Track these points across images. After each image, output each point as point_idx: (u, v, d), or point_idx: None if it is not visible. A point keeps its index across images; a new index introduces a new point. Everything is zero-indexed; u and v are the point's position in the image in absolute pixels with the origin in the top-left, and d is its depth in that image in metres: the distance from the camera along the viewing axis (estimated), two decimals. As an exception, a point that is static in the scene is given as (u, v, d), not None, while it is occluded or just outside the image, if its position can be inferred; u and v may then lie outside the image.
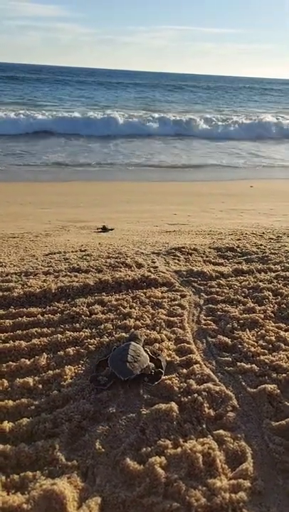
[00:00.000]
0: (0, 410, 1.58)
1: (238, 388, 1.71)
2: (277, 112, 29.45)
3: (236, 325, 2.20)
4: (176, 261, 3.18)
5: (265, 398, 1.63)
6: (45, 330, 2.12)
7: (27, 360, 1.86)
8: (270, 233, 4.12)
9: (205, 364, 1.86)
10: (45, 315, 2.27)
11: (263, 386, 1.68)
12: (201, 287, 2.68)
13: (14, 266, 3.08)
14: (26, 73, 58.14)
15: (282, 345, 2.01)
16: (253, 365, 1.84)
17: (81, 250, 3.54)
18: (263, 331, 2.14)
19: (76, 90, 38.92)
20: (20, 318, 2.23)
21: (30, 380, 1.73)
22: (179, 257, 3.27)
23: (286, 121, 23.90)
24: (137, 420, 1.51)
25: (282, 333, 2.12)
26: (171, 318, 2.24)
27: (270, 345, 2.01)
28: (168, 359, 1.87)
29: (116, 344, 1.97)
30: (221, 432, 1.46)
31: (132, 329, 2.12)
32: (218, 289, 2.64)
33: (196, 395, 1.62)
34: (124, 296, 2.51)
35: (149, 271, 2.87)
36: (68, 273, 2.85)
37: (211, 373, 1.78)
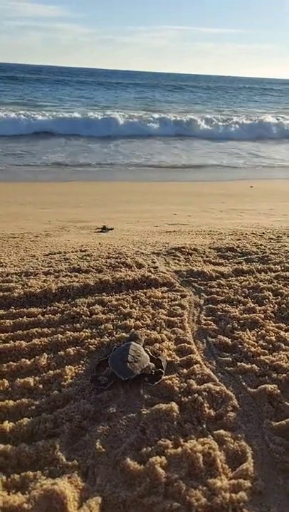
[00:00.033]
0: (0, 410, 1.58)
1: (238, 388, 1.71)
2: (277, 112, 29.46)
3: (236, 325, 2.20)
4: (177, 261, 3.19)
5: (266, 398, 1.63)
6: (45, 330, 2.13)
7: (27, 360, 1.86)
8: (270, 233, 4.12)
9: (205, 364, 1.86)
10: (46, 315, 2.27)
11: (264, 386, 1.68)
12: (201, 287, 2.68)
13: (14, 266, 3.08)
14: (26, 73, 58.15)
15: (283, 345, 2.01)
16: (254, 365, 1.84)
17: (81, 250, 3.54)
18: (263, 331, 2.14)
19: (76, 90, 38.93)
20: (20, 319, 2.23)
21: (30, 380, 1.73)
22: (179, 257, 3.27)
23: (286, 121, 23.91)
24: (137, 420, 1.51)
25: (282, 333, 2.12)
26: (172, 318, 2.25)
27: (271, 345, 2.01)
28: (168, 359, 1.87)
29: (116, 344, 1.97)
30: (222, 431, 1.46)
31: (133, 329, 2.12)
32: (218, 289, 2.64)
33: (196, 395, 1.62)
34: (124, 296, 2.51)
35: (150, 271, 2.87)
36: (68, 273, 2.85)
37: (212, 373, 1.78)
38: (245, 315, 2.31)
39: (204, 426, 1.50)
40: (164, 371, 1.76)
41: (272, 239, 3.86)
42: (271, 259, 3.18)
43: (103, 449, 1.39)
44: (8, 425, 1.48)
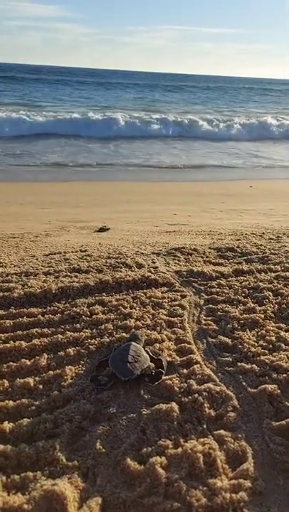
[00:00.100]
0: (0, 411, 1.58)
1: (238, 388, 1.71)
2: (277, 112, 29.44)
3: (237, 325, 2.20)
4: (177, 261, 3.19)
5: (266, 398, 1.63)
6: (45, 330, 2.12)
7: (27, 361, 1.86)
8: (270, 233, 4.12)
9: (205, 364, 1.86)
10: (46, 315, 2.27)
11: (264, 386, 1.68)
12: (202, 287, 2.68)
13: (14, 266, 3.08)
14: (26, 73, 58.13)
15: (283, 345, 2.01)
16: (254, 366, 1.84)
17: (81, 250, 3.54)
18: (264, 331, 2.14)
19: (76, 91, 38.92)
20: (20, 319, 2.23)
21: (30, 380, 1.73)
22: (179, 257, 3.27)
23: (286, 121, 23.91)
24: (137, 420, 1.51)
25: (282, 333, 2.12)
26: (172, 319, 2.25)
27: (271, 346, 2.01)
28: (168, 359, 1.87)
29: (116, 344, 1.97)
30: (222, 432, 1.46)
31: (133, 329, 2.12)
32: (218, 290, 2.64)
33: (196, 395, 1.62)
34: (124, 296, 2.51)
35: (150, 271, 2.87)
36: (69, 273, 2.85)
37: (212, 373, 1.78)
38: (245, 315, 2.31)
39: (204, 426, 1.50)
40: (164, 371, 1.76)
41: (272, 239, 3.86)
42: (271, 259, 3.18)
43: (103, 450, 1.38)
44: (8, 426, 1.48)
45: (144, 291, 2.59)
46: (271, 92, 56.59)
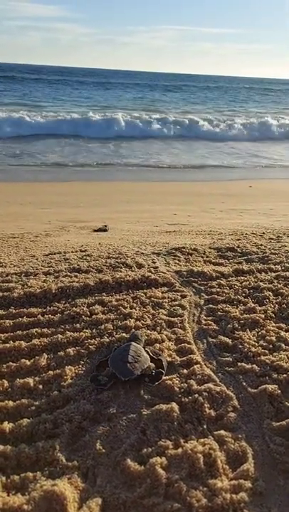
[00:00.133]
0: (0, 411, 1.57)
1: (238, 388, 1.70)
2: (277, 112, 29.44)
3: (237, 325, 2.20)
4: (177, 261, 3.18)
5: (266, 398, 1.63)
6: (45, 330, 2.12)
7: (27, 361, 1.86)
8: (270, 233, 4.12)
9: (205, 364, 1.86)
10: (46, 315, 2.27)
11: (264, 386, 1.68)
12: (202, 287, 2.68)
13: (14, 266, 3.08)
14: (26, 73, 58.10)
15: (283, 345, 2.01)
16: (254, 366, 1.84)
17: (81, 250, 3.54)
18: (264, 331, 2.14)
19: (76, 90, 38.91)
20: (20, 319, 2.22)
21: (30, 380, 1.73)
22: (179, 257, 3.27)
23: (286, 121, 23.90)
24: (137, 421, 1.50)
25: (282, 333, 2.11)
26: (172, 319, 2.24)
27: (271, 346, 2.01)
28: (168, 359, 1.87)
29: (116, 344, 1.97)
30: (222, 432, 1.46)
31: (133, 329, 2.11)
32: (218, 289, 2.63)
33: (196, 395, 1.62)
34: (124, 296, 2.51)
35: (150, 271, 2.87)
36: (68, 273, 2.85)
37: (212, 374, 1.78)
38: (245, 315, 2.30)
39: (205, 426, 1.49)
40: (164, 371, 1.76)
41: (272, 239, 3.86)
42: (271, 259, 3.18)
43: (103, 450, 1.38)
44: (7, 426, 1.48)
45: (144, 291, 2.59)
46: (271, 92, 56.58)
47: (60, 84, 44.46)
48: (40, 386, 1.70)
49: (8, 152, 14.32)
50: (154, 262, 3.09)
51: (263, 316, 2.30)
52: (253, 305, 2.42)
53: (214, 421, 1.53)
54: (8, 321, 2.20)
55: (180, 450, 1.37)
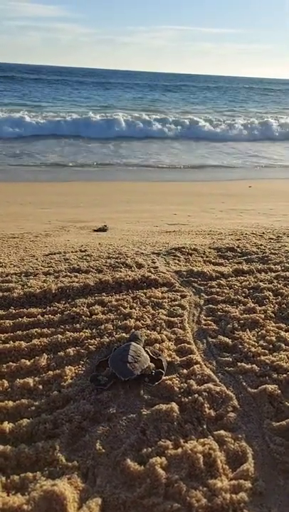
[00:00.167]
0: (0, 411, 1.57)
1: (238, 388, 1.70)
2: (277, 112, 29.44)
3: (237, 325, 2.20)
4: (177, 261, 3.18)
5: (266, 398, 1.63)
6: (45, 330, 2.12)
7: (27, 361, 1.86)
8: (270, 233, 4.12)
9: (205, 364, 1.86)
10: (46, 315, 2.27)
11: (264, 386, 1.68)
12: (202, 287, 2.68)
13: (14, 266, 3.08)
14: (26, 73, 58.08)
15: (283, 345, 2.01)
16: (254, 366, 1.84)
17: (81, 250, 3.54)
18: (264, 331, 2.14)
19: (75, 91, 38.92)
20: (20, 319, 2.22)
21: (30, 380, 1.73)
22: (179, 257, 3.27)
23: (286, 121, 23.90)
24: (137, 421, 1.50)
25: (282, 333, 2.11)
26: (172, 319, 2.24)
27: (271, 346, 2.01)
28: (168, 359, 1.87)
29: (116, 344, 1.97)
30: (222, 432, 1.46)
31: (133, 329, 2.11)
32: (218, 289, 2.63)
33: (196, 395, 1.62)
34: (124, 296, 2.51)
35: (150, 271, 2.87)
36: (68, 273, 2.85)
37: (212, 374, 1.78)
38: (245, 315, 2.30)
39: (204, 426, 1.49)
40: (164, 372, 1.76)
41: (272, 239, 3.86)
42: (271, 259, 3.18)
43: (103, 450, 1.38)
44: (7, 426, 1.48)
45: (144, 291, 2.59)
46: (271, 92, 56.58)
47: (60, 85, 44.46)
48: (40, 386, 1.70)
49: (8, 152, 14.33)
50: (154, 262, 3.09)
51: (262, 316, 2.30)
52: (252, 305, 2.42)
53: (214, 421, 1.53)
54: (8, 321, 2.20)
55: (180, 450, 1.37)
